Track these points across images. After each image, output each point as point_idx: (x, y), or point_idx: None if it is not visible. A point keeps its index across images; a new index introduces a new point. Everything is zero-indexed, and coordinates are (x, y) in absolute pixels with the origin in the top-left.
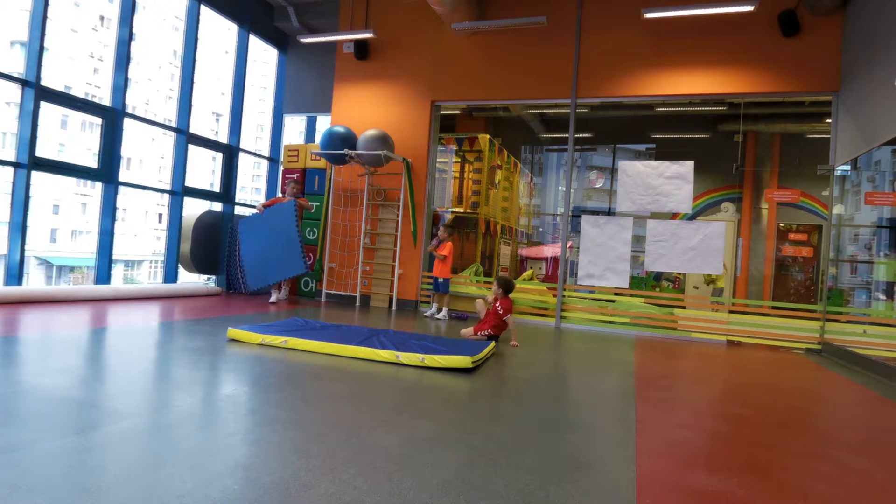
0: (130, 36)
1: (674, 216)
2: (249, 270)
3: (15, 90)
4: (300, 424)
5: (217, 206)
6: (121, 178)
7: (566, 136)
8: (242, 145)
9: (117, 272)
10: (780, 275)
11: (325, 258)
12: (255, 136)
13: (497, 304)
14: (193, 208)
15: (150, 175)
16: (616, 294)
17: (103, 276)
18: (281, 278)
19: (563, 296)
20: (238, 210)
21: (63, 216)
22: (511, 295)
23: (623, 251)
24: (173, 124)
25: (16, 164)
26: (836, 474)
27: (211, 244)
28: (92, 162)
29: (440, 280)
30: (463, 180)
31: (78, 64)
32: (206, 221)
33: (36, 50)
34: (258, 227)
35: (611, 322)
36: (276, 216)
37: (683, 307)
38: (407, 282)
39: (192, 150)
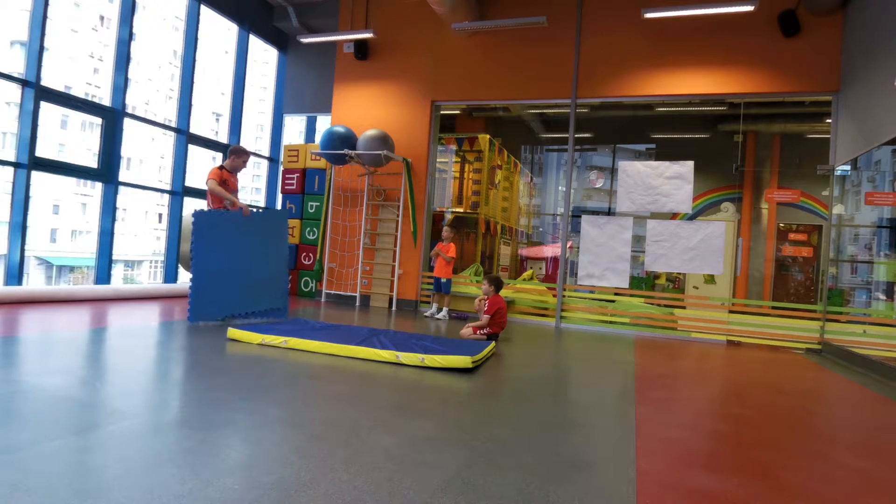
0: (130, 36)
1: (674, 216)
2: (198, 288)
3: (15, 90)
4: (300, 424)
5: None
6: (121, 178)
7: (566, 136)
8: (242, 145)
9: (117, 272)
10: (780, 275)
11: (325, 258)
12: (255, 136)
13: (487, 302)
14: (193, 208)
15: (150, 175)
16: (616, 294)
17: (103, 276)
18: (252, 309)
19: (563, 296)
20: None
21: (63, 216)
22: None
23: (623, 251)
24: (173, 124)
25: (16, 164)
26: (836, 474)
27: None
28: (92, 162)
29: (442, 280)
30: (463, 180)
31: (78, 64)
32: None
33: (36, 50)
34: (232, 233)
35: (611, 322)
36: (266, 224)
37: (683, 307)
38: (407, 282)
39: (192, 149)
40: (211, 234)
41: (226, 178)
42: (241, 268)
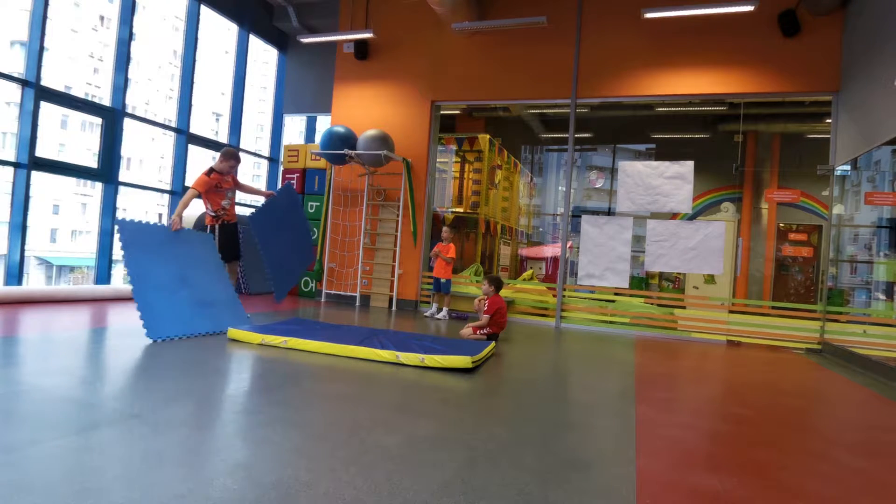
0: (130, 36)
1: (674, 216)
2: (144, 302)
3: (15, 90)
4: (300, 424)
5: None
6: (121, 178)
7: (566, 136)
8: (242, 145)
9: (117, 272)
10: (780, 275)
11: (325, 258)
12: (255, 136)
13: (487, 302)
14: (194, 208)
15: (150, 175)
16: (616, 294)
17: (103, 276)
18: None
19: (563, 296)
20: (240, 211)
21: (63, 216)
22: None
23: (623, 251)
24: (173, 124)
25: (16, 164)
26: (836, 474)
27: None
28: (92, 162)
29: (442, 281)
30: (463, 180)
31: (78, 64)
32: None
33: (36, 50)
34: (166, 245)
35: (611, 322)
36: (200, 245)
37: (683, 307)
38: (407, 282)
39: (192, 150)
40: (140, 243)
41: (217, 181)
42: (186, 282)
